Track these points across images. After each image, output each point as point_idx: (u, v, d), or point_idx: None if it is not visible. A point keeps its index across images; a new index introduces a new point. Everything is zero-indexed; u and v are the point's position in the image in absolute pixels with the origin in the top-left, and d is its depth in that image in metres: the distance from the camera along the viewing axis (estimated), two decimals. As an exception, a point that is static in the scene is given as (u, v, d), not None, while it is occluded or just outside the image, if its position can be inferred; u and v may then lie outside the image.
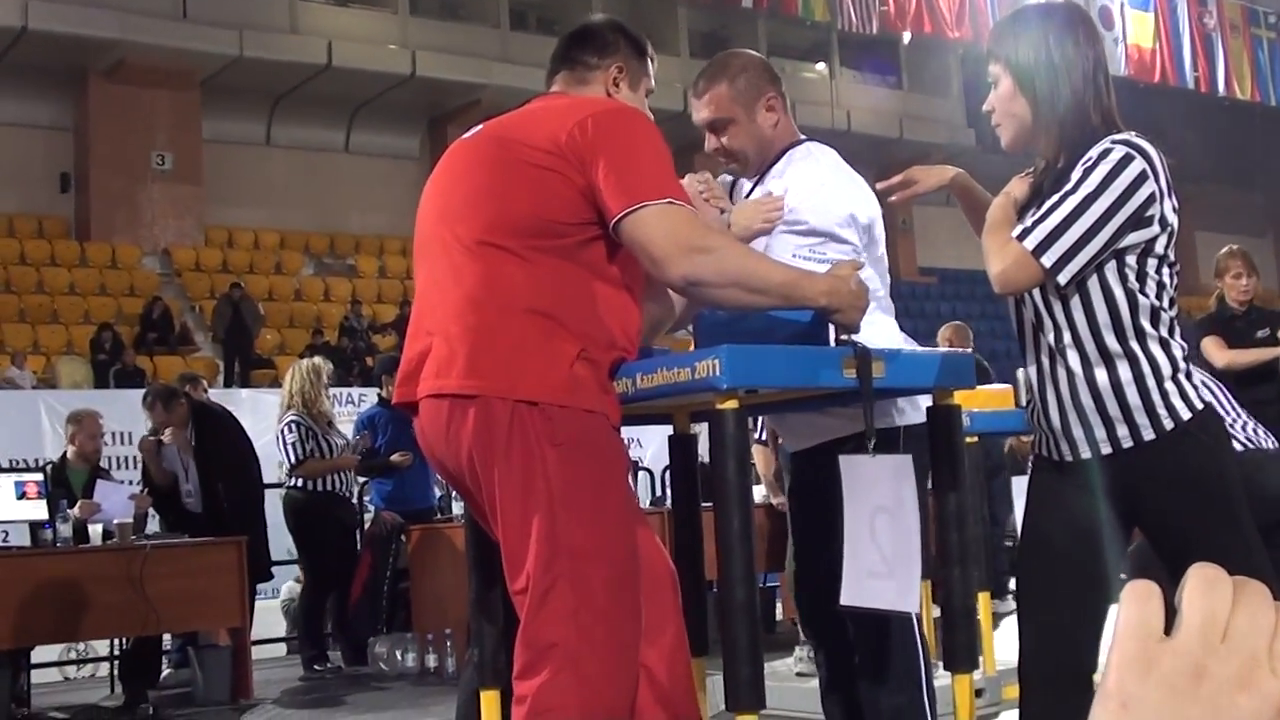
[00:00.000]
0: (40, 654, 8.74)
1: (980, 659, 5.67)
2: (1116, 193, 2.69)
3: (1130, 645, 0.70)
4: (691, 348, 3.25)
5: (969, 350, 3.25)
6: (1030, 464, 3.07)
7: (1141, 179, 2.71)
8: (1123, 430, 2.79)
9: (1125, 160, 2.71)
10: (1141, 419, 2.78)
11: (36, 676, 8.55)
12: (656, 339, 3.32)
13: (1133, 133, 2.81)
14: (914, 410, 3.44)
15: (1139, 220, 2.72)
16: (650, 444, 12.38)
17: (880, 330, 3.29)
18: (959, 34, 27.97)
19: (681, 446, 3.67)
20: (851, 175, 3.55)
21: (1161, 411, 2.77)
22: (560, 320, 2.69)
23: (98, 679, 9.52)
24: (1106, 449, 2.81)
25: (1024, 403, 2.98)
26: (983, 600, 5.92)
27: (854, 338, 2.88)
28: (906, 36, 28.02)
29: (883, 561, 2.90)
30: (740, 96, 3.52)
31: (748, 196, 3.58)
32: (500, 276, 2.72)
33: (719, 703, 3.03)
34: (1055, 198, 2.74)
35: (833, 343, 2.95)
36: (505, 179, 2.79)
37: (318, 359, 9.61)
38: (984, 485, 7.71)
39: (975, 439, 5.99)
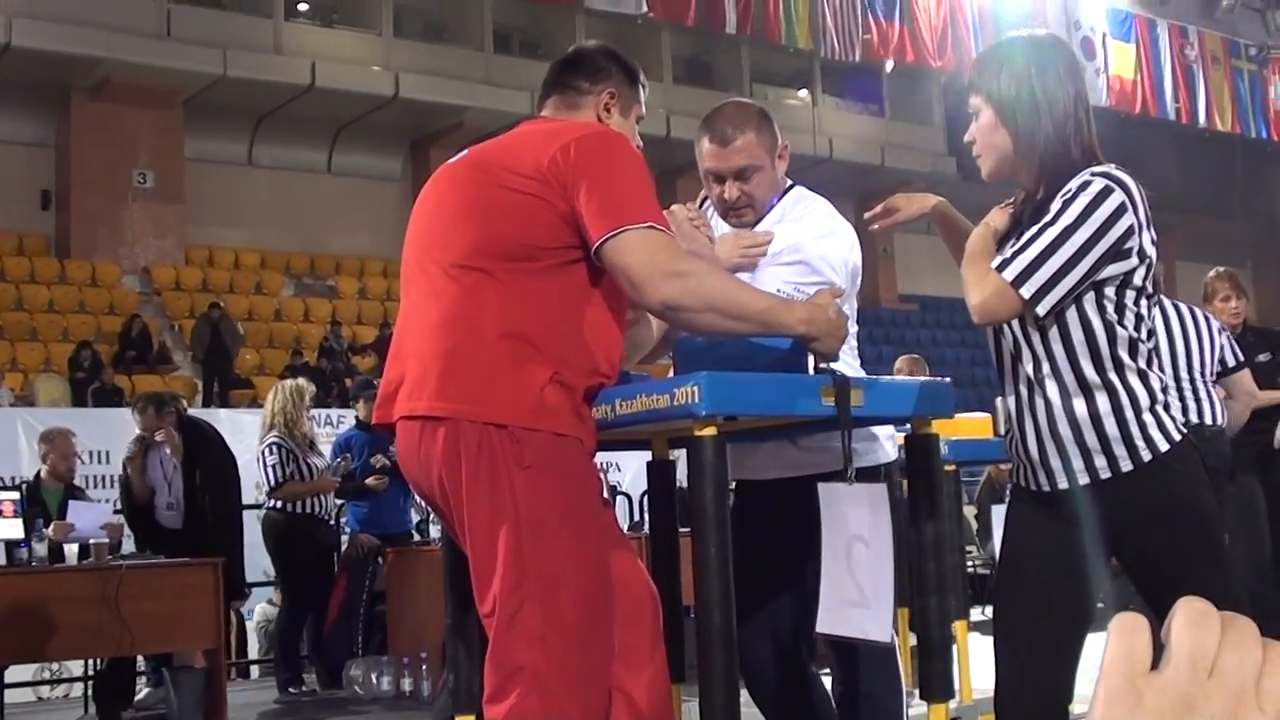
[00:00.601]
0: (14, 674, 8.69)
1: (956, 688, 5.68)
2: (1095, 225, 2.70)
3: (1117, 679, 0.69)
4: (670, 374, 3.25)
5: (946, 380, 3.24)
6: (1009, 494, 3.07)
7: (1120, 211, 2.72)
8: (1100, 461, 2.80)
9: (1104, 193, 2.72)
10: (1120, 450, 2.78)
11: (10, 696, 8.50)
12: (634, 364, 3.31)
13: (1112, 165, 2.82)
14: (872, 450, 3.46)
15: (1117, 252, 2.74)
16: (629, 468, 12.37)
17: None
18: (941, 63, 28.12)
19: (660, 472, 3.67)
20: (846, 223, 3.56)
21: (1140, 443, 2.78)
22: (535, 344, 2.70)
23: (71, 699, 9.47)
24: (1084, 480, 2.82)
25: (1003, 432, 2.99)
26: (959, 629, 5.94)
27: (832, 366, 2.89)
28: (889, 65, 28.17)
29: (859, 590, 2.90)
30: (766, 144, 3.52)
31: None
32: (476, 300, 2.73)
33: (695, 730, 3.02)
34: (1034, 229, 2.75)
35: (811, 371, 2.96)
36: (486, 204, 2.80)
37: (300, 380, 9.59)
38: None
39: (953, 467, 6.01)
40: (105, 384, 17.69)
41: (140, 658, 8.22)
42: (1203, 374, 6.35)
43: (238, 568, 8.29)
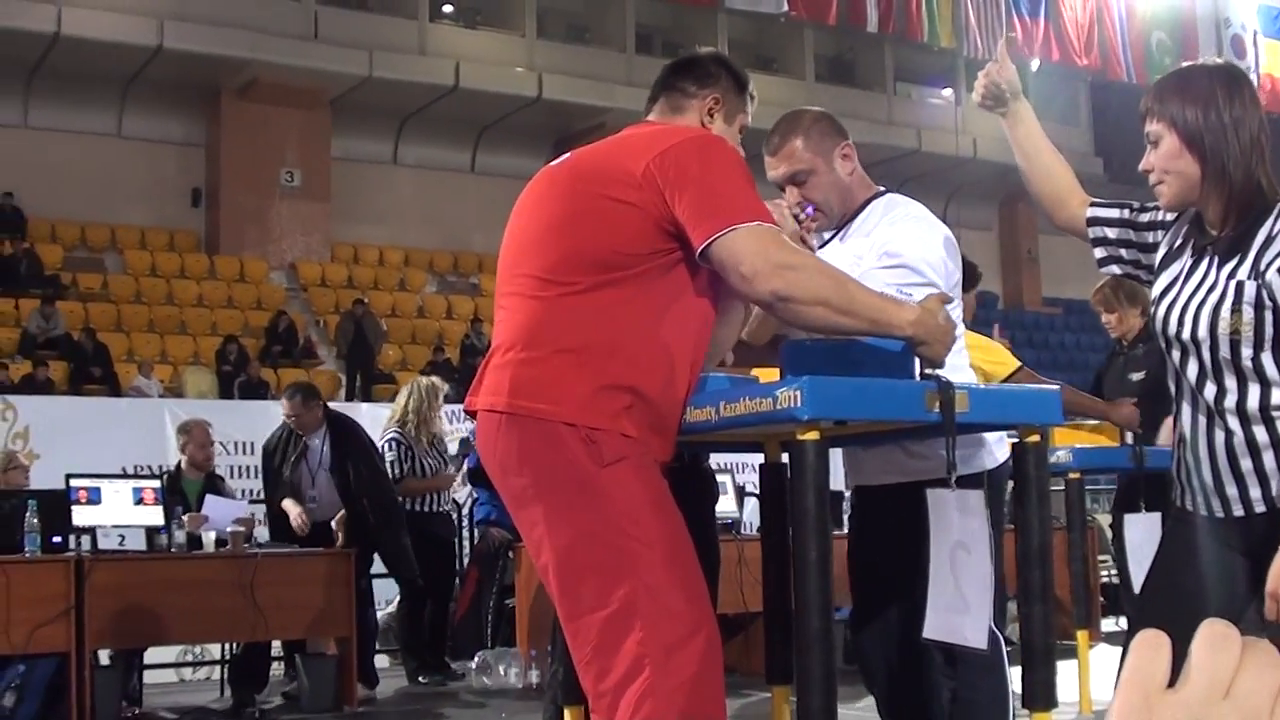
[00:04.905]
0: (159, 655, 8.95)
1: (1076, 699, 5.61)
2: None
3: (1132, 695, 0.70)
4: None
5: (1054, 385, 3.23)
6: (1172, 517, 3.02)
7: None
8: (1277, 486, 2.77)
9: None
10: None
11: (155, 676, 8.75)
12: (712, 366, 3.35)
13: None
14: (976, 456, 3.45)
15: None
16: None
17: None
18: (1087, 62, 27.69)
19: (772, 474, 3.69)
20: (943, 226, 3.56)
21: None
22: (610, 355, 2.75)
23: (211, 682, 9.71)
24: (1260, 508, 2.79)
25: (1171, 456, 2.95)
26: (1081, 639, 5.86)
27: (938, 372, 2.88)
28: (1034, 63, 27.75)
29: (960, 596, 2.91)
30: (816, 147, 3.54)
31: (822, 246, 3.59)
32: (556, 313, 2.79)
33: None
34: None
35: (918, 376, 2.96)
36: (579, 213, 2.85)
37: (435, 378, 9.60)
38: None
39: (1077, 475, 5.92)
40: (251, 377, 18.11)
41: (275, 643, 8.40)
42: None
43: (405, 554, 8.28)
